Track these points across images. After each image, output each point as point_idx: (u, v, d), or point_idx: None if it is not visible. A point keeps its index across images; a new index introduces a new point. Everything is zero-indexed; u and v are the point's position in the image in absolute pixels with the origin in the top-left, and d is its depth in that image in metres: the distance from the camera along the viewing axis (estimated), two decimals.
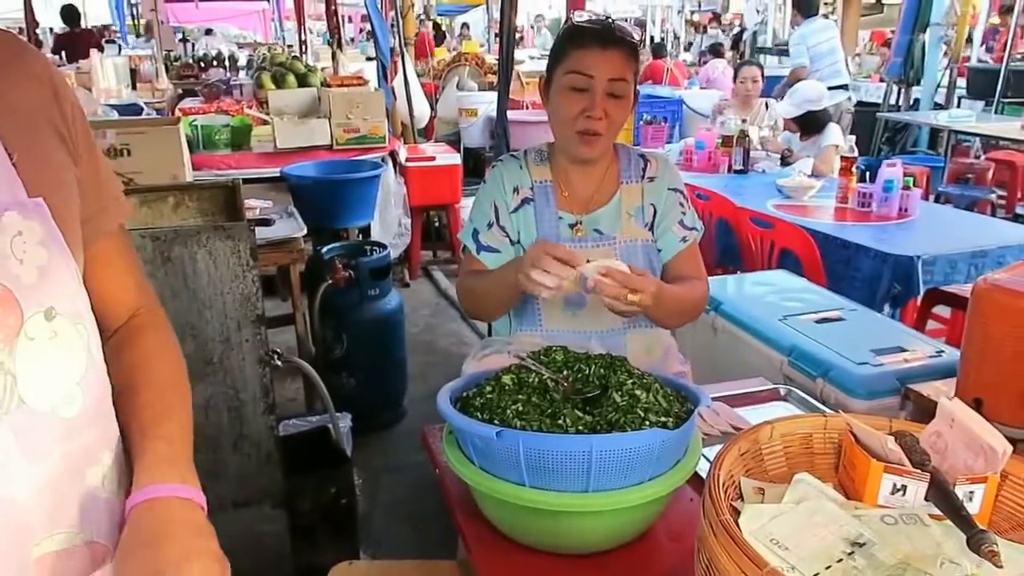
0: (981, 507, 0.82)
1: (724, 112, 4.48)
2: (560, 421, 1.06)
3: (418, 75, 6.28)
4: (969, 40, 8.18)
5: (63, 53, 8.30)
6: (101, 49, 7.54)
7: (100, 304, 0.86)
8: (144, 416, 0.84)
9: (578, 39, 1.47)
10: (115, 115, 4.51)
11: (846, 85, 5.63)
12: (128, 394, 0.85)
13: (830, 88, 4.83)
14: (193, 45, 9.27)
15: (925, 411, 1.51)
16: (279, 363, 2.06)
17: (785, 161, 4.15)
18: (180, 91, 6.87)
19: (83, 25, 10.02)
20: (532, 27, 16.53)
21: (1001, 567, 0.69)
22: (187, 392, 0.92)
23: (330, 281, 2.92)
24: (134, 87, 6.64)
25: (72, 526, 0.76)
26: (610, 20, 1.52)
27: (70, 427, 0.75)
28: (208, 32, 12.08)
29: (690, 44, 14.30)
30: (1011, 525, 0.86)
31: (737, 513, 0.81)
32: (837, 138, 3.99)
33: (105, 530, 0.79)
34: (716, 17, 14.68)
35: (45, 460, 0.73)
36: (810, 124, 4.08)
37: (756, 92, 4.56)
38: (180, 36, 9.55)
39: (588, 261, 1.31)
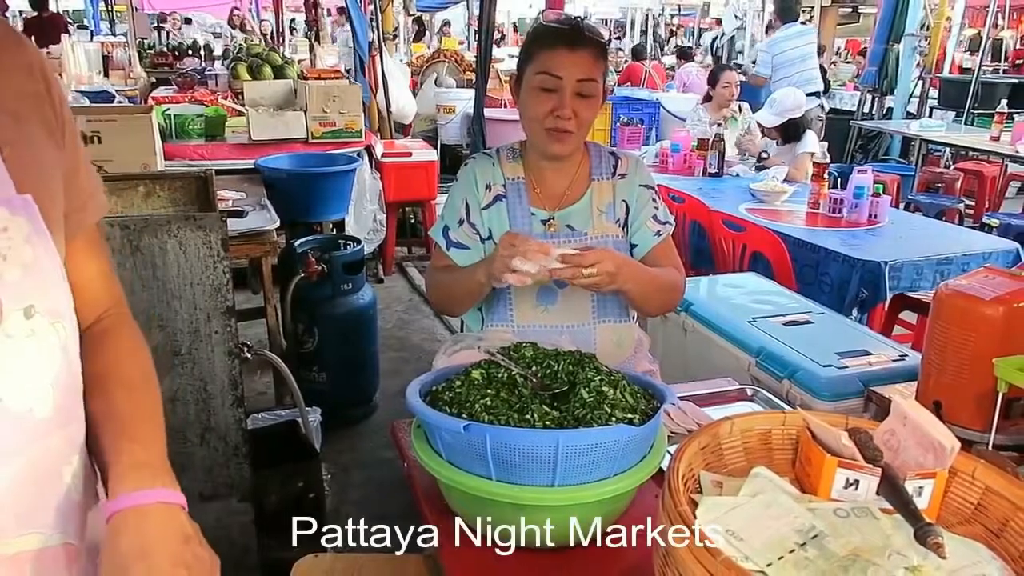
0: (930, 502, 0.85)
1: (724, 123, 4.50)
2: (528, 416, 1.07)
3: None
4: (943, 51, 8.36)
5: (31, 38, 8.11)
6: (70, 34, 7.41)
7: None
8: (118, 418, 0.83)
9: (546, 40, 1.49)
10: (86, 102, 4.44)
11: (817, 92, 5.65)
12: (100, 395, 0.84)
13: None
14: (168, 33, 9.15)
15: (887, 413, 1.54)
16: (249, 356, 2.05)
17: (761, 165, 4.20)
18: (153, 79, 6.78)
19: (52, 9, 9.81)
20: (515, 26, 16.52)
21: (945, 559, 0.71)
22: (158, 392, 0.91)
23: (303, 274, 2.90)
24: (106, 74, 6.53)
25: (45, 527, 0.75)
26: (578, 20, 1.54)
27: (43, 427, 0.74)
28: (186, 21, 11.95)
29: (668, 43, 14.33)
30: (958, 520, 0.88)
31: (695, 505, 0.83)
32: (813, 146, 4.04)
33: (77, 531, 0.79)
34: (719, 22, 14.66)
35: (16, 459, 0.72)
36: (790, 131, 4.14)
37: (735, 96, 4.61)
38: (155, 25, 9.42)
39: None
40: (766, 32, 10.37)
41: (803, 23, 6.28)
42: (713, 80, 4.71)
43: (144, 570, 0.72)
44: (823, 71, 6.87)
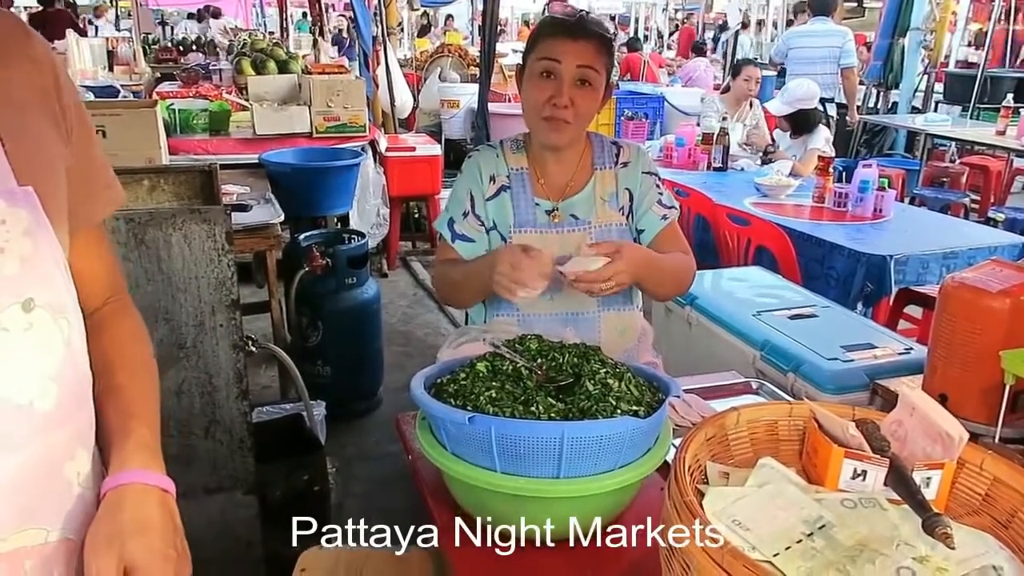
0: (938, 493, 0.85)
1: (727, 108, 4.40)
2: (533, 408, 1.07)
3: (400, 65, 6.25)
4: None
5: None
6: (82, 29, 7.42)
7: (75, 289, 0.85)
8: (123, 398, 0.85)
9: (550, 29, 1.52)
10: (91, 96, 4.45)
11: (832, 99, 5.43)
12: (102, 377, 0.85)
13: None
14: (172, 29, 9.15)
15: (893, 406, 1.54)
16: (254, 349, 2.05)
17: (767, 159, 4.17)
18: (158, 75, 6.79)
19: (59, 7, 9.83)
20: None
21: (953, 549, 0.71)
22: (157, 380, 0.93)
23: (307, 268, 2.90)
24: (111, 69, 6.54)
25: (46, 523, 0.75)
26: (584, 13, 1.56)
27: (44, 421, 0.74)
28: (191, 16, 11.93)
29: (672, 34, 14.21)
30: (966, 510, 0.88)
31: (702, 496, 0.82)
32: (822, 143, 4.00)
33: (79, 527, 0.78)
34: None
35: (16, 454, 0.72)
36: (800, 123, 4.10)
37: (755, 92, 4.53)
38: (159, 20, 9.42)
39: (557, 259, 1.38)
40: (787, 26, 10.26)
41: (832, 20, 5.75)
42: (735, 72, 4.63)
43: (142, 546, 0.74)
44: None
